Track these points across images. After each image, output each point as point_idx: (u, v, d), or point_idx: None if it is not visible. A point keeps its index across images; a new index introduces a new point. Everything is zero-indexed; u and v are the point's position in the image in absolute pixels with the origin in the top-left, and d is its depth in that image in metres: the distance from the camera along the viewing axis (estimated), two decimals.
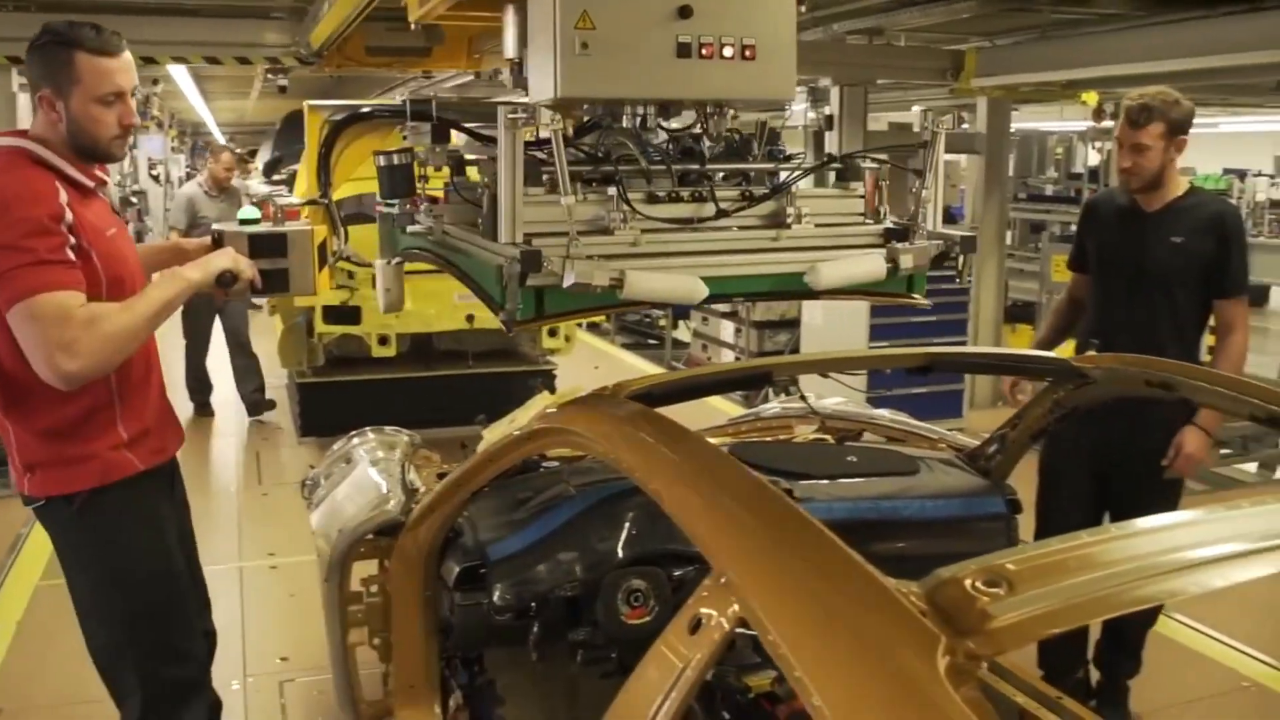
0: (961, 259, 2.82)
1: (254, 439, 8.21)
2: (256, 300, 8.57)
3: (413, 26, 3.73)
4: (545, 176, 2.58)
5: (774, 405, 4.39)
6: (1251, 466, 7.72)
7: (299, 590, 5.16)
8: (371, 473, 3.47)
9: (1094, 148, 14.78)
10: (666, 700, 1.51)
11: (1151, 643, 4.16)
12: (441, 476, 3.35)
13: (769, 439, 3.93)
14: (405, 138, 2.94)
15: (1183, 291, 3.80)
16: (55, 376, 2.53)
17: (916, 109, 16.46)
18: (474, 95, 10.35)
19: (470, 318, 7.20)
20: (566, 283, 2.33)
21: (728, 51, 2.65)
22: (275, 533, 6.07)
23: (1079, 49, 7.78)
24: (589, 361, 9.93)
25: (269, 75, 8.49)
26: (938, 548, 3.07)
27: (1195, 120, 3.80)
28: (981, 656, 1.25)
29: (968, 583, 1.38)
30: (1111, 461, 3.84)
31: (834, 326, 8.83)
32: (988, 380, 8.82)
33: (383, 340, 7.32)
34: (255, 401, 8.57)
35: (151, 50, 7.69)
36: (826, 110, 8.34)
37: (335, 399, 7.60)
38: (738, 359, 10.20)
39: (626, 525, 2.82)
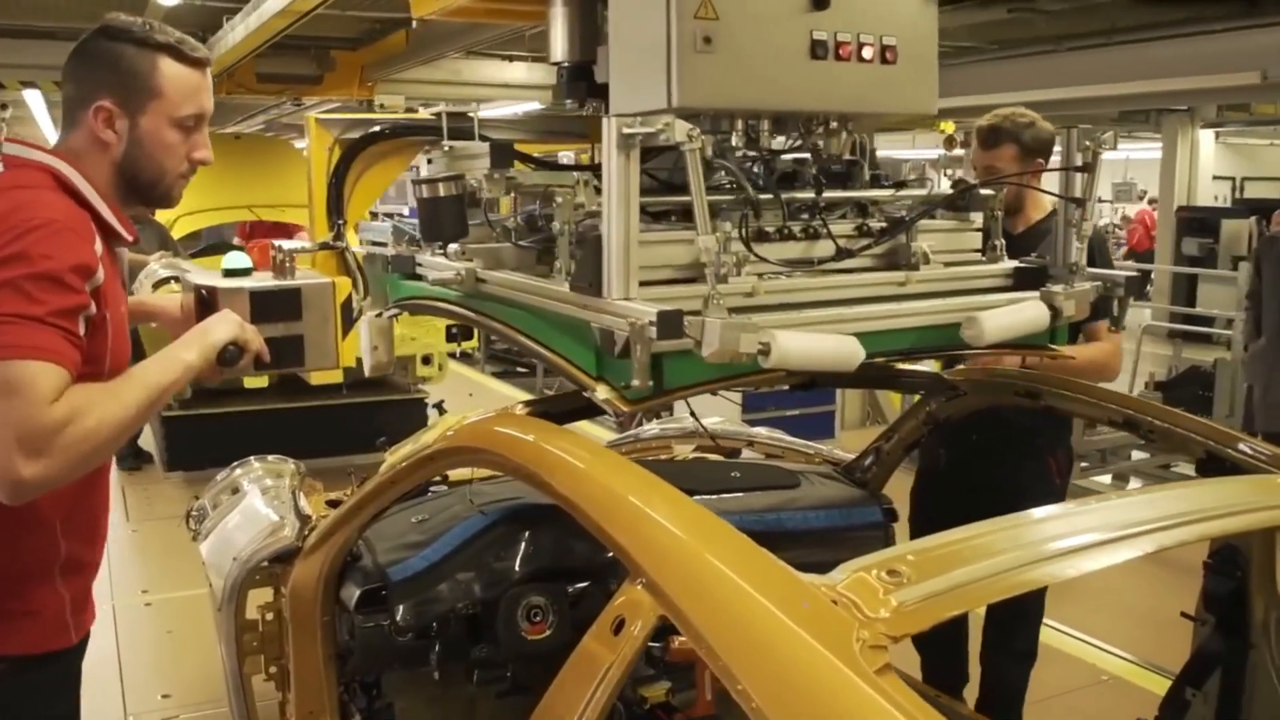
0: (1118, 303, 2.47)
1: (119, 475, 7.95)
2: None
3: (414, 22, 3.37)
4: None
5: (653, 426, 4.48)
6: (1107, 478, 8.11)
7: (176, 627, 5.07)
8: (262, 501, 3.45)
9: (945, 174, 15.32)
10: (593, 698, 1.59)
11: None
12: (332, 504, 3.35)
13: (650, 459, 4.02)
14: (430, 160, 2.47)
15: None
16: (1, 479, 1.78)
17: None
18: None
19: None
20: (707, 351, 1.85)
21: (867, 53, 2.20)
22: (147, 569, 5.93)
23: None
24: (460, 390, 9.91)
25: None
26: (821, 556, 3.17)
27: None
28: (890, 638, 1.37)
29: (873, 573, 1.50)
30: (980, 484, 3.98)
31: None
32: (858, 401, 9.10)
33: None
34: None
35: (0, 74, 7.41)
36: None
37: (203, 432, 7.44)
38: None
39: (524, 542, 2.87)
